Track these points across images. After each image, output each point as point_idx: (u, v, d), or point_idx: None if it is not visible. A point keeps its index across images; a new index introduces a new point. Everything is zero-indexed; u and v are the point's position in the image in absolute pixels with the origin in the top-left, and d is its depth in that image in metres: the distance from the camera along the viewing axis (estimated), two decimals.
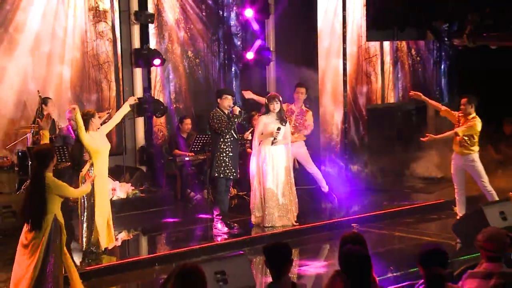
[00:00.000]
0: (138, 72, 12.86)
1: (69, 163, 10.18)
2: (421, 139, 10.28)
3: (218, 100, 9.98)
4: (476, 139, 9.99)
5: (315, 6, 13.16)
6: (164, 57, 12.81)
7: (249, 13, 13.61)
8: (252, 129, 10.77)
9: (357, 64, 13.19)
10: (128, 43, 12.78)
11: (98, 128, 8.88)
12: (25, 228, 6.84)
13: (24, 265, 6.78)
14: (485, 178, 10.16)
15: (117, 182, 11.36)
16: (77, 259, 8.79)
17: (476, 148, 10.03)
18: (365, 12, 12.95)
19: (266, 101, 10.19)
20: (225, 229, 9.94)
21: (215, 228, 9.99)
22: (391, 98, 14.11)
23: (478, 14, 4.13)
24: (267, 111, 10.13)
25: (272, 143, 10.03)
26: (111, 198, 10.07)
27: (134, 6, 12.69)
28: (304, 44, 13.28)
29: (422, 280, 5.04)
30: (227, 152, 9.87)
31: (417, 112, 14.16)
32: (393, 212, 11.27)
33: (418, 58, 14.45)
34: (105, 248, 8.96)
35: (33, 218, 6.76)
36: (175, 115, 13.19)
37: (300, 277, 8.34)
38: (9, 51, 11.56)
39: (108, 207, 8.99)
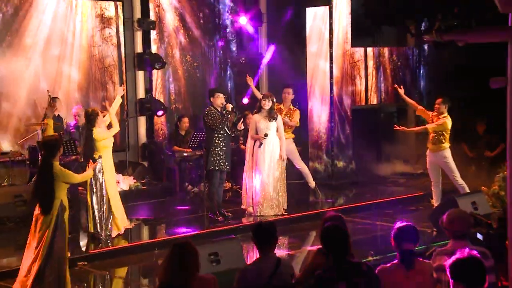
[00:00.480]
0: (140, 74, 12.94)
1: (74, 156, 10.29)
2: (395, 127, 10.40)
3: (211, 98, 10.05)
4: (447, 136, 10.10)
5: (304, 14, 13.27)
6: (164, 61, 12.90)
7: (243, 20, 13.72)
8: (243, 119, 10.89)
9: (342, 68, 13.27)
10: (131, 48, 12.87)
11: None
12: (36, 212, 6.93)
13: (34, 245, 6.89)
14: (456, 173, 10.26)
15: (120, 175, 11.44)
16: (83, 243, 8.96)
17: (447, 144, 10.14)
18: (350, 20, 13.04)
19: (261, 98, 10.34)
20: (220, 218, 10.06)
21: (211, 217, 10.11)
22: (374, 100, 14.19)
23: (447, 13, 4.25)
24: (260, 108, 10.27)
25: (260, 145, 10.16)
26: None
27: (137, 14, 12.81)
28: (294, 49, 13.40)
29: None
30: (221, 146, 9.96)
31: (398, 113, 14.27)
32: (375, 204, 11.38)
33: (399, 63, 14.56)
34: (109, 235, 9.12)
35: (42, 203, 6.86)
36: (174, 114, 13.28)
37: (288, 257, 8.45)
38: (22, 54, 11.64)
39: (118, 196, 9.22)
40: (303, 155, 11.91)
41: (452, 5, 4.60)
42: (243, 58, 13.96)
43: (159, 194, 11.94)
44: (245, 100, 13.22)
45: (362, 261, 5.05)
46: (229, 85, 14.14)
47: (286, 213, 10.34)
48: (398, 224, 5.14)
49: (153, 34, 13.02)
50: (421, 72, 14.80)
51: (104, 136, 9.03)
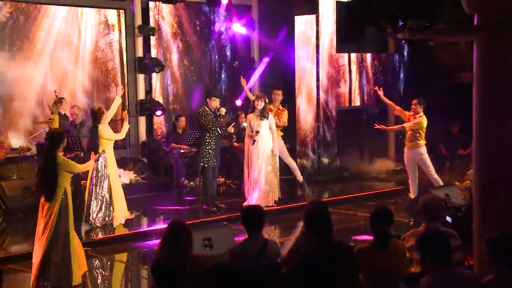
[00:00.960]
0: (141, 77, 13.00)
1: (79, 151, 10.36)
2: (375, 126, 10.50)
3: (207, 99, 10.12)
4: (423, 134, 10.19)
5: (293, 21, 13.37)
6: (163, 64, 12.97)
7: (236, 27, 13.82)
8: (234, 123, 10.97)
9: (328, 71, 13.39)
10: (133, 52, 12.92)
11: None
12: (42, 200, 7.00)
13: (40, 230, 6.98)
14: (431, 168, 10.37)
15: (122, 169, 11.52)
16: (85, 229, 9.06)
17: (423, 142, 10.23)
18: (335, 28, 13.15)
19: (254, 99, 10.46)
20: (213, 209, 10.16)
21: (205, 208, 10.21)
22: (357, 101, 14.32)
23: (421, 13, 4.35)
24: (253, 108, 10.39)
25: (253, 142, 10.26)
26: None
27: (138, 21, 12.87)
28: (283, 53, 13.52)
29: None
30: (212, 145, 10.04)
31: (380, 114, 14.40)
32: (358, 197, 11.53)
33: (380, 68, 14.69)
34: (111, 223, 9.21)
35: (47, 190, 6.91)
36: (172, 114, 13.35)
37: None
38: (31, 58, 11.71)
39: (120, 188, 9.32)
40: (291, 152, 12.01)
41: (426, 6, 4.70)
42: (236, 63, 14.04)
43: (158, 188, 12.01)
44: (238, 102, 13.31)
45: (342, 241, 5.02)
46: (223, 87, 14.21)
47: (275, 204, 10.44)
48: (374, 208, 5.26)
49: (153, 39, 13.07)
50: (401, 76, 14.94)
51: (109, 137, 9.13)
